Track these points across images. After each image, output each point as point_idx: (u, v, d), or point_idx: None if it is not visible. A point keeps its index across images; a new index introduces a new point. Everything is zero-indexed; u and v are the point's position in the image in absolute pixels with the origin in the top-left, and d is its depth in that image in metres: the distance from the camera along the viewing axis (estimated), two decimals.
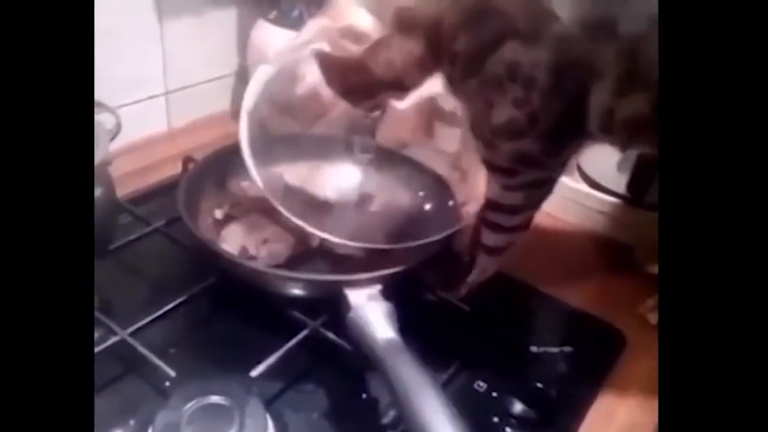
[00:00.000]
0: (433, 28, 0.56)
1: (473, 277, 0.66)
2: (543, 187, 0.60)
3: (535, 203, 0.62)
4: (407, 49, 0.58)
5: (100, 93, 0.63)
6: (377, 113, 0.70)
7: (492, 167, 0.60)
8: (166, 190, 0.78)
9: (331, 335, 0.58)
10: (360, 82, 0.61)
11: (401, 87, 0.61)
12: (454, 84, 0.58)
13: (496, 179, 0.60)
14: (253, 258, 0.64)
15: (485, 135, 0.58)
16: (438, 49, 0.57)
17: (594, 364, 0.62)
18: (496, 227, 0.63)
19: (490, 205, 0.62)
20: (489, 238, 0.64)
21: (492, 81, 0.53)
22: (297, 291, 0.60)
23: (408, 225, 0.73)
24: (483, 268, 0.66)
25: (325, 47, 0.60)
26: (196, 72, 0.98)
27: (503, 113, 0.54)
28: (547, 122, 0.53)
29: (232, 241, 0.65)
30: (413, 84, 0.62)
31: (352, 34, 0.59)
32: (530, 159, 0.57)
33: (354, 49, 0.59)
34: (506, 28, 0.51)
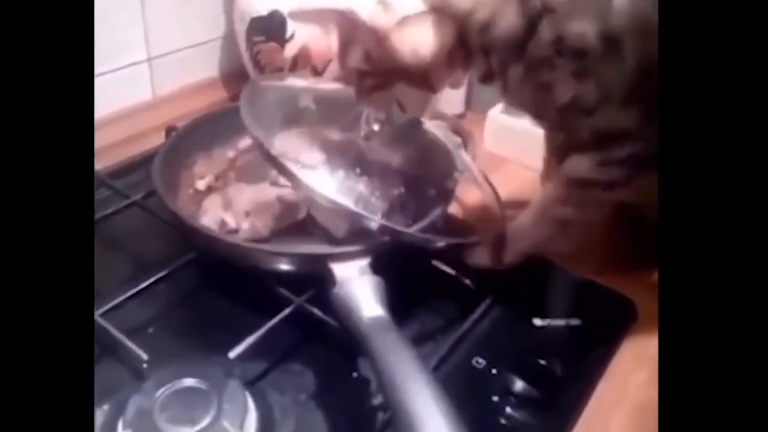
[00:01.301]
0: (465, 20, 0.54)
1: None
2: (643, 161, 0.55)
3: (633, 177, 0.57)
4: (439, 37, 0.55)
5: None
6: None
7: (577, 147, 0.56)
8: (149, 161, 0.74)
9: (317, 312, 0.55)
10: (378, 63, 0.57)
11: (422, 80, 0.58)
12: (491, 78, 0.57)
13: (587, 159, 0.56)
14: (234, 232, 0.59)
15: (555, 118, 0.56)
16: (468, 43, 0.55)
17: (602, 338, 0.57)
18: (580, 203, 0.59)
19: (580, 183, 0.58)
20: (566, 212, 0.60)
21: (540, 63, 0.52)
22: (280, 266, 0.56)
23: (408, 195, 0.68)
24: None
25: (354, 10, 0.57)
26: (181, 36, 0.93)
27: (565, 90, 0.52)
28: (617, 89, 0.51)
29: (214, 213, 0.61)
30: (437, 80, 0.59)
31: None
32: (615, 131, 0.53)
33: (382, 21, 0.55)
34: (540, 7, 0.50)
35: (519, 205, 0.66)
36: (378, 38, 0.56)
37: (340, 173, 0.65)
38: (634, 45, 0.49)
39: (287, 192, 0.65)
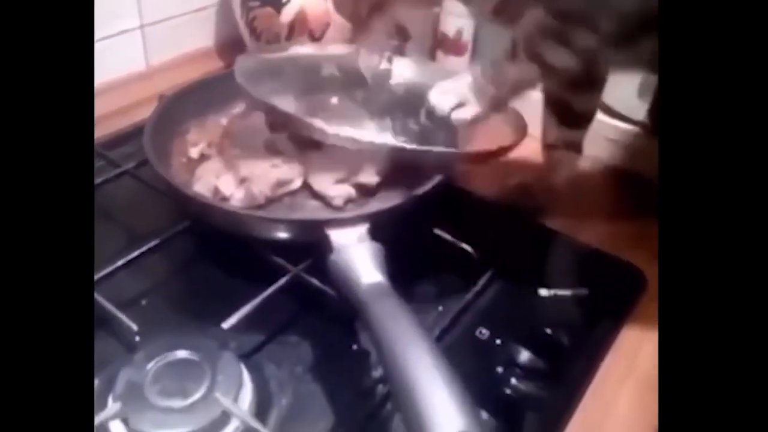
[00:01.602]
0: None
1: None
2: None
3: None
4: None
5: None
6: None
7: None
8: (142, 132, 0.72)
9: (315, 281, 0.52)
10: None
11: None
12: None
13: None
14: (227, 199, 0.57)
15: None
16: None
17: (610, 308, 0.55)
18: (567, 43, 0.55)
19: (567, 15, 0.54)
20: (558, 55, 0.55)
21: None
22: (276, 233, 0.54)
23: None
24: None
25: None
26: (175, 2, 0.90)
27: None
28: None
29: (207, 180, 0.59)
30: None
31: None
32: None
33: None
34: None
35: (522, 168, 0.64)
36: None
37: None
38: None
39: (282, 160, 0.62)
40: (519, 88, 0.59)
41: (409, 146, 0.55)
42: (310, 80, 0.69)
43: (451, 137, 0.60)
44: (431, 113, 0.58)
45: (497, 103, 0.59)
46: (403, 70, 0.67)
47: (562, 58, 0.54)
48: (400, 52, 0.61)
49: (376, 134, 0.61)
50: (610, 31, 0.52)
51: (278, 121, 0.55)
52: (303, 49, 0.75)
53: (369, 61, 0.61)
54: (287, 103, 0.62)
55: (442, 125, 0.58)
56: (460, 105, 0.57)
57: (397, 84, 0.64)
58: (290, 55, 0.71)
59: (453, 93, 0.58)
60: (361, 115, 0.65)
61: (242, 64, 0.63)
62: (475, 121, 0.57)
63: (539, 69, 0.56)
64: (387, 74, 0.61)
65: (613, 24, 0.52)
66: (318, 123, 0.54)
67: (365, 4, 0.56)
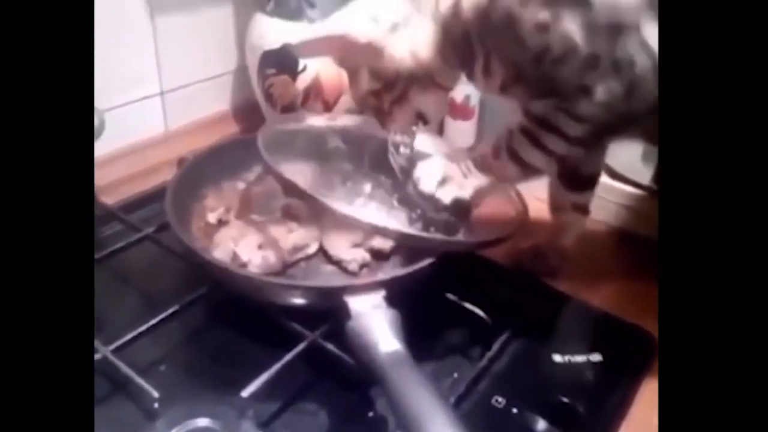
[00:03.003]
0: (437, 13, 0.55)
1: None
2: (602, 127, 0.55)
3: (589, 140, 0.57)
4: (429, 34, 0.57)
5: None
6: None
7: (552, 93, 0.55)
8: (161, 195, 0.74)
9: (332, 347, 0.53)
10: (385, 75, 0.59)
11: (430, 81, 0.59)
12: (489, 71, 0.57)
13: (551, 101, 0.55)
14: (245, 265, 0.59)
15: (531, 73, 0.55)
16: (450, 33, 0.57)
17: (625, 373, 0.56)
18: (540, 147, 0.57)
19: (539, 121, 0.56)
20: (532, 156, 0.58)
21: (506, 21, 0.53)
22: (293, 299, 0.55)
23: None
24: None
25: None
26: (193, 70, 0.93)
27: (535, 40, 0.52)
28: (582, 43, 0.51)
29: (225, 246, 0.60)
30: (443, 77, 0.60)
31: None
32: (577, 86, 0.53)
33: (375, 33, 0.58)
34: None
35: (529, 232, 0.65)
36: (376, 51, 0.57)
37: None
38: None
39: (298, 224, 0.64)
40: (503, 179, 0.62)
41: (413, 232, 0.58)
42: (322, 151, 0.71)
43: (451, 216, 0.62)
44: (420, 191, 0.61)
45: (487, 191, 0.62)
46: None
47: (537, 158, 0.58)
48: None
49: (376, 214, 0.65)
50: (578, 137, 0.55)
51: (296, 195, 0.58)
52: (317, 120, 0.78)
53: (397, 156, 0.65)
54: (303, 174, 0.65)
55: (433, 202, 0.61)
56: (444, 181, 0.60)
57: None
58: (307, 126, 0.74)
59: (436, 170, 0.61)
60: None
61: (265, 137, 0.65)
62: (465, 202, 0.60)
63: (517, 167, 0.59)
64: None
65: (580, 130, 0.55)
66: (334, 204, 0.57)
67: (387, 99, 0.60)
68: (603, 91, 0.52)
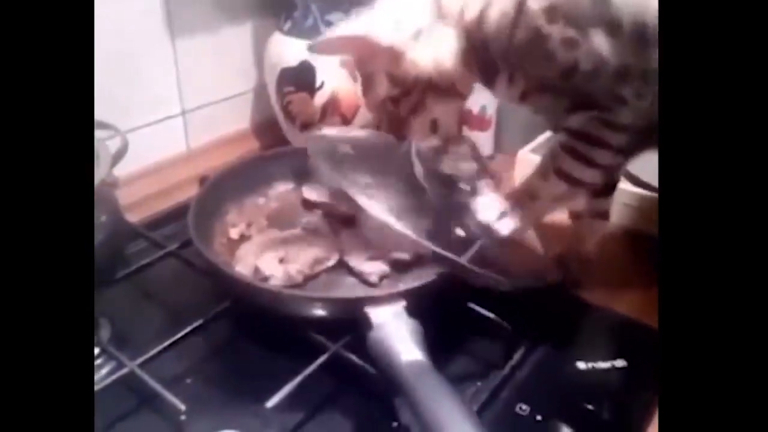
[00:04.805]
0: (461, 21, 0.55)
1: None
2: (640, 134, 0.56)
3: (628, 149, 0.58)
4: (453, 43, 0.56)
5: (113, 116, 0.62)
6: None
7: (587, 105, 0.56)
8: (185, 212, 0.75)
9: (354, 358, 0.53)
10: (404, 82, 0.58)
11: (449, 89, 0.59)
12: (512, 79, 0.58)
13: (588, 114, 0.56)
14: (267, 279, 0.59)
15: (560, 86, 0.55)
16: (473, 43, 0.56)
17: (650, 379, 0.55)
18: (589, 162, 0.57)
19: (578, 135, 0.57)
20: (583, 172, 0.58)
21: (533, 37, 0.53)
22: (315, 312, 0.56)
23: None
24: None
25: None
26: (214, 90, 0.95)
27: (564, 56, 0.52)
28: (612, 57, 0.51)
29: (247, 261, 0.61)
30: (463, 86, 0.59)
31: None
32: (611, 98, 0.53)
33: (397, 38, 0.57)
34: None
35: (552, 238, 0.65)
36: (396, 56, 0.56)
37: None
38: (627, 8, 0.50)
39: (318, 237, 0.65)
40: (556, 202, 0.62)
41: (470, 266, 0.56)
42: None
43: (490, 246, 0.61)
44: (479, 221, 0.60)
45: (535, 218, 0.63)
46: None
47: (587, 174, 0.58)
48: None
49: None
50: (621, 146, 0.56)
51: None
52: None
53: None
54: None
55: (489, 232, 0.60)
56: (503, 215, 0.60)
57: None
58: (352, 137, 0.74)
59: (495, 204, 0.61)
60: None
61: (314, 145, 0.65)
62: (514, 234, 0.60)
63: (568, 185, 0.59)
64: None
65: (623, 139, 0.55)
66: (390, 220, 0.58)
67: (406, 106, 0.60)
68: (637, 98, 0.52)
